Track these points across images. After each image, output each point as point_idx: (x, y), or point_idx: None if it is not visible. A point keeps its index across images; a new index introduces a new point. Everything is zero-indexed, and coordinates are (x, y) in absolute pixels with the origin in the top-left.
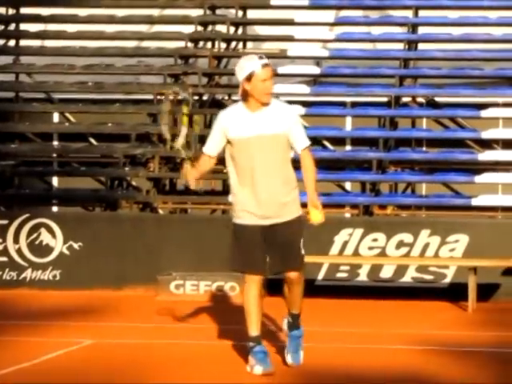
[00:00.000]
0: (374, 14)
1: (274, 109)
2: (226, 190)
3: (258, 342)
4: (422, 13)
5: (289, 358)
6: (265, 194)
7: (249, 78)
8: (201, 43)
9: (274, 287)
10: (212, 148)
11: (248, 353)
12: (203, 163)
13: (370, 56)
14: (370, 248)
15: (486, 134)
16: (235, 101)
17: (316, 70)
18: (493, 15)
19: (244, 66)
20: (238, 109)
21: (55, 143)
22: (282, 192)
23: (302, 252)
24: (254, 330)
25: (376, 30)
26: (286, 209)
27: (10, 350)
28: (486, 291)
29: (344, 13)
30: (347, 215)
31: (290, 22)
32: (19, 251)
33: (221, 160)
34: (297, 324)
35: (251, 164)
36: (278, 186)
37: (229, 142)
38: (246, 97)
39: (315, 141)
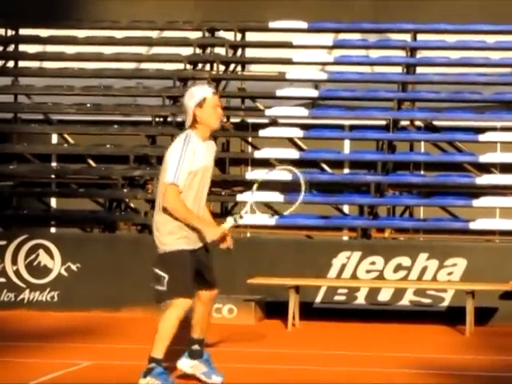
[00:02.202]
0: (372, 38)
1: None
2: (223, 213)
3: (160, 364)
4: (420, 36)
5: (215, 378)
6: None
7: (200, 105)
8: (199, 65)
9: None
10: (184, 180)
11: (151, 374)
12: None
13: (368, 79)
14: (368, 271)
15: (484, 158)
16: (234, 123)
17: (314, 93)
18: (491, 39)
19: (195, 94)
20: (194, 138)
21: (54, 164)
22: None
23: None
24: (162, 353)
25: (374, 54)
26: None
27: (7, 371)
28: (484, 315)
29: (342, 36)
30: (345, 238)
31: (288, 45)
32: (17, 272)
33: (218, 182)
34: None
35: (199, 192)
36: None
37: (190, 173)
38: (195, 124)
39: (313, 164)
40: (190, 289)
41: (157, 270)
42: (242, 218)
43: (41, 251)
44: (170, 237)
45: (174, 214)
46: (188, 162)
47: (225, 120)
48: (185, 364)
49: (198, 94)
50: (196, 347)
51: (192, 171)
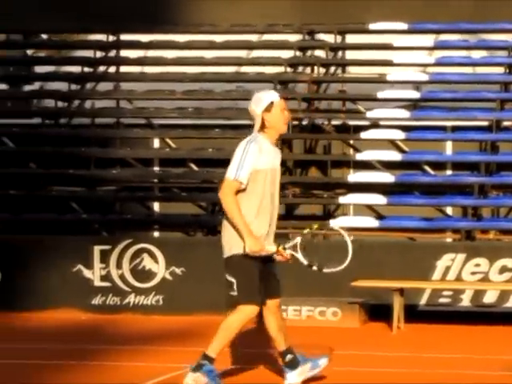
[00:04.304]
0: (473, 38)
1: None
2: (326, 215)
3: (212, 363)
4: None
5: (322, 361)
6: (271, 225)
7: (268, 109)
8: (300, 68)
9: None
10: (247, 177)
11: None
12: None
13: (469, 80)
14: (473, 273)
15: None
16: (335, 125)
17: (415, 95)
18: None
19: (262, 98)
20: (261, 139)
21: (156, 168)
22: None
23: None
24: (216, 353)
25: (476, 54)
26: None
27: (113, 375)
28: None
29: (443, 37)
30: (449, 240)
31: (388, 47)
32: (122, 276)
33: (320, 185)
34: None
35: (265, 199)
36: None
37: (256, 172)
38: (263, 129)
39: (415, 165)
40: (257, 295)
41: (227, 276)
42: (284, 249)
43: (145, 255)
44: (236, 239)
45: (224, 208)
46: (252, 159)
47: (326, 122)
48: (293, 378)
49: (266, 98)
50: (289, 357)
51: (257, 169)
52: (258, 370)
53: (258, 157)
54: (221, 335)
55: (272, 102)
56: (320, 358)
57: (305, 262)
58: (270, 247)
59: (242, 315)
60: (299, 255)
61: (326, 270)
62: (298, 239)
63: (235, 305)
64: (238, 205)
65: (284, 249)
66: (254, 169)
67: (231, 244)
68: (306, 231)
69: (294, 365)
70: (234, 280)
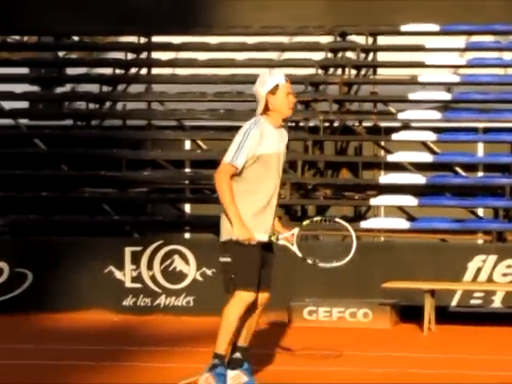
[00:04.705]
0: (505, 40)
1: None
2: (357, 217)
3: (223, 362)
4: None
5: None
6: (274, 210)
7: (273, 91)
8: (331, 70)
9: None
10: (243, 162)
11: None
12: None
13: (501, 81)
14: (504, 275)
15: None
16: (366, 127)
17: (447, 96)
18: None
19: (267, 80)
20: (264, 123)
21: (187, 170)
22: None
23: None
24: (225, 348)
25: (508, 56)
26: None
27: (143, 376)
28: None
29: (475, 38)
30: (480, 242)
31: (420, 48)
32: (153, 278)
33: (351, 186)
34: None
35: (269, 182)
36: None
37: (256, 158)
38: (267, 111)
39: (447, 167)
40: (254, 282)
41: (221, 259)
42: (277, 240)
43: (176, 257)
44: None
45: (217, 190)
46: (251, 145)
47: (357, 124)
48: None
49: (271, 80)
50: (237, 355)
51: (258, 155)
52: (264, 370)
53: (258, 142)
54: (223, 329)
55: (277, 85)
56: None
57: (299, 255)
58: (261, 236)
59: (239, 302)
60: (294, 247)
61: (321, 265)
62: (296, 230)
63: (230, 288)
64: (230, 189)
65: (277, 239)
66: (255, 154)
67: (229, 227)
68: (305, 223)
69: (234, 364)
70: (230, 264)
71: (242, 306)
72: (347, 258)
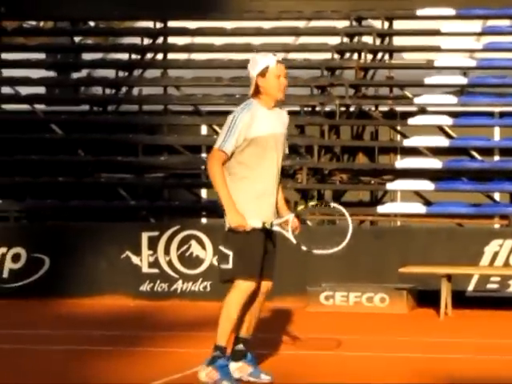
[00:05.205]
0: None
1: (277, 109)
2: (373, 201)
3: (224, 354)
4: None
5: (264, 377)
6: (274, 195)
7: (263, 74)
8: (347, 54)
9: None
10: (232, 148)
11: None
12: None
13: None
14: None
15: None
16: (382, 112)
17: (463, 80)
18: None
19: (258, 62)
20: (255, 106)
21: (203, 155)
22: None
23: None
24: (226, 340)
25: None
26: None
27: (160, 361)
28: None
29: (491, 22)
30: (497, 226)
31: (436, 33)
32: (170, 263)
33: (367, 171)
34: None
35: (268, 163)
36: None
37: (250, 141)
38: (258, 94)
39: (463, 151)
40: (253, 271)
41: (221, 248)
42: (271, 226)
43: (193, 242)
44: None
45: (211, 177)
46: (240, 128)
47: (373, 108)
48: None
49: (261, 62)
50: (240, 347)
51: (251, 138)
52: (280, 355)
53: (248, 125)
54: (223, 320)
55: (267, 67)
56: (266, 373)
57: (294, 241)
58: (255, 222)
59: (239, 292)
60: (289, 234)
61: (316, 252)
62: (291, 216)
63: (227, 278)
64: (221, 175)
65: (271, 225)
66: (247, 138)
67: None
68: (300, 207)
69: (237, 357)
70: (230, 253)
71: (242, 297)
72: (343, 244)
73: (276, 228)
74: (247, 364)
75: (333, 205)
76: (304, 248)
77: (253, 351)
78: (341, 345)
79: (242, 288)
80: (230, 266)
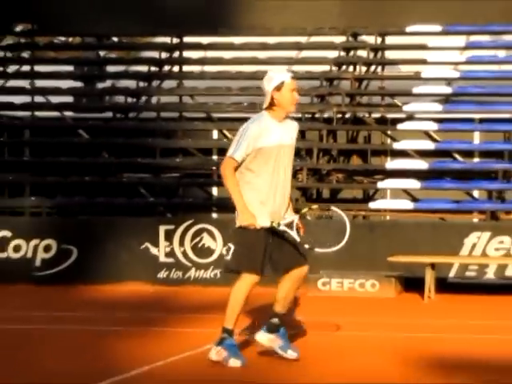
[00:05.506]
0: (500, 39)
1: (287, 121)
2: (365, 198)
3: (230, 336)
4: None
5: (291, 353)
6: (285, 197)
7: (278, 88)
8: (344, 67)
9: None
10: (242, 156)
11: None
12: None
13: (496, 76)
14: (497, 249)
15: None
16: (375, 118)
17: (447, 90)
18: None
19: (273, 77)
20: (266, 118)
21: (214, 157)
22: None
23: None
24: (233, 323)
25: (502, 53)
26: None
27: (176, 340)
28: None
29: (474, 38)
30: (475, 220)
31: (423, 47)
32: (184, 253)
33: (360, 171)
34: (282, 322)
35: (276, 173)
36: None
37: (257, 150)
38: (272, 106)
39: (446, 154)
40: (256, 265)
41: (230, 244)
42: (279, 226)
43: (205, 234)
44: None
45: (224, 181)
46: (250, 139)
47: (367, 115)
48: (263, 337)
49: (277, 77)
50: (275, 320)
51: (259, 148)
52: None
53: (257, 137)
54: (230, 307)
55: (282, 82)
56: (294, 349)
57: (298, 240)
58: (264, 221)
59: (245, 283)
60: (293, 233)
61: (318, 249)
62: (296, 217)
63: (229, 269)
64: (234, 179)
65: (278, 225)
66: (255, 148)
67: (236, 217)
68: (304, 210)
69: (271, 329)
70: (234, 247)
71: (247, 287)
72: (342, 243)
73: (282, 228)
74: (279, 337)
75: (333, 208)
76: (307, 246)
77: (285, 326)
78: (337, 326)
79: (246, 280)
80: (234, 258)
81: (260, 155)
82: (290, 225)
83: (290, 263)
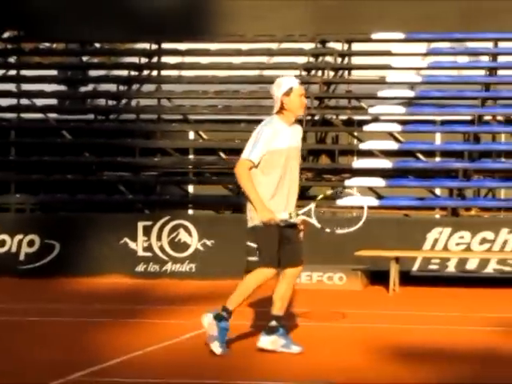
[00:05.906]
0: (459, 46)
1: (294, 125)
2: (334, 196)
3: (229, 317)
4: (501, 44)
5: (295, 348)
6: (293, 196)
7: (287, 93)
8: (313, 72)
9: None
10: (258, 158)
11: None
12: (248, 171)
13: (456, 81)
14: (457, 244)
15: None
16: (342, 120)
17: (410, 94)
18: None
19: (282, 83)
20: (276, 122)
21: (191, 157)
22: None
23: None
24: (234, 306)
25: (462, 59)
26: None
27: (152, 331)
28: None
29: (435, 45)
30: (437, 216)
31: (388, 53)
32: (161, 248)
33: (329, 170)
34: (280, 323)
35: (285, 175)
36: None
37: (270, 152)
38: (281, 110)
39: (410, 153)
40: (274, 259)
41: (248, 243)
42: (298, 215)
43: (181, 230)
44: (255, 211)
45: (239, 182)
46: (265, 141)
47: (334, 117)
48: (264, 341)
49: (285, 84)
50: (273, 323)
51: (272, 150)
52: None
53: (271, 139)
54: (239, 291)
55: (291, 88)
56: (297, 344)
57: (318, 226)
58: (282, 214)
59: (260, 275)
60: (313, 220)
61: (339, 231)
62: (312, 205)
63: (253, 269)
64: (250, 179)
65: (297, 215)
66: (269, 150)
67: (251, 215)
68: (319, 197)
69: (270, 331)
70: (255, 246)
71: (260, 279)
72: (359, 225)
73: (301, 217)
74: (279, 337)
75: (349, 191)
76: (328, 230)
77: (284, 326)
78: (305, 317)
79: (262, 272)
80: (256, 257)
81: (272, 157)
82: (307, 213)
83: (287, 261)
